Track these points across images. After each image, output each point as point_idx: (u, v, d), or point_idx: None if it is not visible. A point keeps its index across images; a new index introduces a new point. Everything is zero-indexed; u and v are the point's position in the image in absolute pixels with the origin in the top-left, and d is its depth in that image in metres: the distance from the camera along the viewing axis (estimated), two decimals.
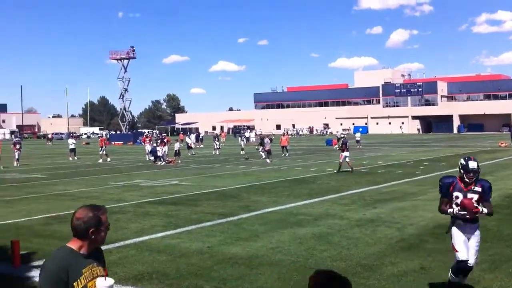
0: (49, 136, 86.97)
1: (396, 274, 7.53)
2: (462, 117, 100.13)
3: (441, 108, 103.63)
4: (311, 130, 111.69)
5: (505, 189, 16.19)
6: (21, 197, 16.82)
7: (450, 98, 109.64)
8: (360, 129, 53.39)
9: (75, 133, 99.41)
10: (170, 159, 31.39)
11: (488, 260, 8.04)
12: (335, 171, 23.11)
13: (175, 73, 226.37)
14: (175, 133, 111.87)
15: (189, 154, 39.03)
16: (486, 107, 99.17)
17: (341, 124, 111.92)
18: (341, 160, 23.45)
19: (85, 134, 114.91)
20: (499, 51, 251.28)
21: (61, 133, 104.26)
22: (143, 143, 43.58)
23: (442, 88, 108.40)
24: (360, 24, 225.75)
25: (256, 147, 34.73)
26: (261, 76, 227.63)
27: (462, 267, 6.30)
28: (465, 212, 6.20)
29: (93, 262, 3.24)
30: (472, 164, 6.21)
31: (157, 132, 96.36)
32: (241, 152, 39.33)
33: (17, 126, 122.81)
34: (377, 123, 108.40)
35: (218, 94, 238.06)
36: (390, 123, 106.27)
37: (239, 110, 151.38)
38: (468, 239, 6.31)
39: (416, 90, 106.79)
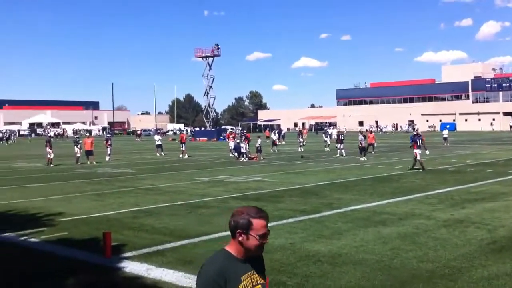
0: (138, 132, 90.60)
1: (486, 277, 7.21)
2: None
3: None
4: (395, 127, 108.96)
5: None
6: (112, 191, 17.64)
7: None
8: (448, 126, 51.51)
9: (161, 129, 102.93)
10: (252, 155, 31.74)
11: None
12: (420, 169, 22.43)
13: (257, 70, 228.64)
14: (257, 130, 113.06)
15: (271, 150, 39.31)
16: None
17: (427, 121, 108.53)
18: (418, 158, 22.76)
19: (171, 130, 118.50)
20: None
21: (149, 130, 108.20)
22: (227, 140, 44.33)
23: None
24: (448, 16, 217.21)
25: (336, 144, 34.40)
26: (343, 72, 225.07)
27: None
28: None
29: (251, 268, 2.98)
30: None
31: (240, 128, 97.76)
32: (326, 149, 39.08)
33: (108, 123, 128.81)
34: (466, 120, 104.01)
35: (300, 90, 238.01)
36: (480, 120, 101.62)
37: (321, 106, 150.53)
38: None
39: (508, 84, 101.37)
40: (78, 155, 30.64)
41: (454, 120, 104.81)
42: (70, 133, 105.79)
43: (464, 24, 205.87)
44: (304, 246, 9.15)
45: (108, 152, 32.90)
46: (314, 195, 15.59)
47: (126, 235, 10.33)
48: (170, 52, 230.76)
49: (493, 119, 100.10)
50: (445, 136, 46.93)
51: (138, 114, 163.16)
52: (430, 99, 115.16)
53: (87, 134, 34.16)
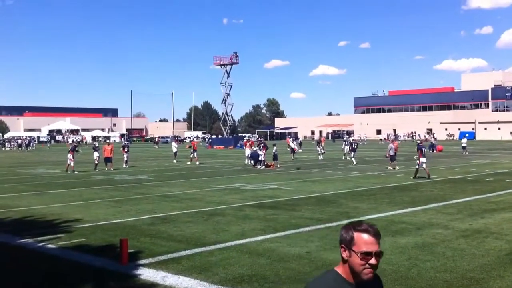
0: (156, 139, 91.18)
1: None
2: None
3: None
4: (411, 135, 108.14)
5: None
6: (129, 198, 17.74)
7: None
8: (467, 135, 50.94)
9: (179, 136, 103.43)
10: (269, 163, 31.71)
11: None
12: (412, 177, 22.91)
13: (275, 77, 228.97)
14: (274, 138, 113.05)
15: (292, 158, 39.27)
16: None
17: (446, 129, 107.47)
18: (417, 166, 23.15)
19: (189, 138, 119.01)
20: None
21: (166, 137, 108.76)
22: (244, 147, 44.40)
23: None
24: (469, 24, 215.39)
25: (349, 152, 34.34)
26: (361, 80, 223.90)
27: None
28: None
29: None
30: None
31: (257, 136, 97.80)
32: (343, 158, 38.91)
33: (127, 130, 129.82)
34: (485, 129, 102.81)
35: (317, 98, 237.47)
36: (499, 129, 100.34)
37: (338, 114, 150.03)
38: None
39: None
40: (97, 162, 30.90)
41: (473, 129, 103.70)
42: (89, 139, 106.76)
43: (485, 32, 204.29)
44: (320, 255, 9.10)
45: (125, 159, 33.14)
46: (331, 204, 15.52)
47: (142, 242, 10.37)
48: (188, 59, 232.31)
49: None
50: (464, 145, 46.48)
51: (156, 121, 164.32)
52: (449, 108, 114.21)
53: (107, 141, 34.50)
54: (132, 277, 8.03)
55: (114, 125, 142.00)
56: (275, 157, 31.99)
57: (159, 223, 12.55)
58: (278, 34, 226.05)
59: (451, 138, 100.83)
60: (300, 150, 53.80)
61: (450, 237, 10.52)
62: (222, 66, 77.24)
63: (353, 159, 33.57)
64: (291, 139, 49.97)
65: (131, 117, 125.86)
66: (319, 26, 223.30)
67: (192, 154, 36.42)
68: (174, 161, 37.58)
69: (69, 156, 29.41)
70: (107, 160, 31.04)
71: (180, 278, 7.86)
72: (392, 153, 29.41)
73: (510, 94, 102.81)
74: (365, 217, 12.99)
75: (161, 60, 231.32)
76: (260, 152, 32.09)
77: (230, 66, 76.66)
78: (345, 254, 2.59)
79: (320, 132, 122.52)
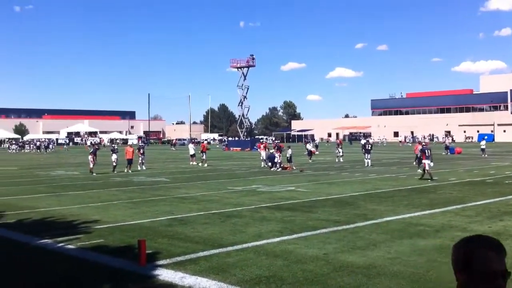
0: (173, 141, 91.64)
1: None
2: None
3: None
4: (431, 137, 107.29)
5: None
6: (147, 199, 17.85)
7: None
8: (485, 137, 50.39)
9: (195, 139, 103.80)
10: (285, 165, 31.69)
11: None
12: (429, 179, 22.93)
13: (292, 80, 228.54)
14: (290, 140, 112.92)
15: (310, 160, 39.14)
16: None
17: (464, 132, 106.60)
18: (427, 168, 23.31)
19: (205, 140, 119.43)
20: None
21: (183, 139, 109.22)
22: (258, 150, 44.42)
23: None
24: (487, 25, 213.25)
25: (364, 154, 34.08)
26: (379, 82, 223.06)
27: None
28: None
29: None
30: None
31: (273, 138, 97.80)
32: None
33: (144, 132, 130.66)
34: (504, 131, 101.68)
35: (334, 100, 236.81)
36: None
37: (355, 117, 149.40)
38: None
39: None
40: (115, 164, 31.14)
41: (492, 131, 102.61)
42: (107, 142, 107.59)
43: (504, 34, 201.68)
44: (338, 257, 9.07)
45: (140, 161, 33.35)
46: (348, 206, 15.46)
47: (160, 243, 10.43)
48: (205, 62, 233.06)
49: None
50: (483, 147, 45.95)
51: (173, 123, 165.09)
52: (467, 110, 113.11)
53: (130, 143, 34.87)
54: (151, 277, 8.07)
55: (132, 127, 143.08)
56: (290, 159, 31.93)
57: (176, 224, 12.61)
58: (295, 36, 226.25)
59: (470, 140, 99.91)
60: (317, 152, 53.66)
61: None
62: (239, 69, 77.40)
63: (367, 160, 33.47)
64: (309, 142, 49.68)
65: (149, 120, 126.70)
66: (336, 29, 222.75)
67: (202, 156, 36.73)
68: (194, 162, 37.85)
69: (90, 158, 29.74)
70: (129, 161, 31.35)
71: (198, 278, 7.88)
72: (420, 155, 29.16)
73: None
74: (383, 219, 12.93)
75: (178, 63, 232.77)
76: (276, 154, 32.10)
77: (247, 68, 76.79)
78: (462, 278, 2.06)
79: (337, 134, 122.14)
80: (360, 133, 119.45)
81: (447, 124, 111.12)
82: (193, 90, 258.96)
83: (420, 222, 12.54)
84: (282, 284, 7.55)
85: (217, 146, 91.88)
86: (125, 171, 30.56)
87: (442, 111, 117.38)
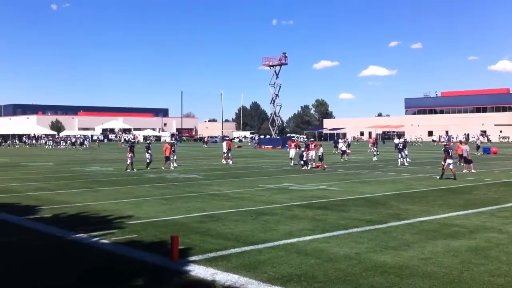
0: (205, 139, 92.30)
1: None
2: None
3: None
4: (467, 137, 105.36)
5: None
6: (180, 196, 18.03)
7: None
8: None
9: (227, 136, 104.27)
10: (317, 164, 31.56)
11: None
12: (438, 177, 23.46)
13: (324, 78, 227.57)
14: (322, 138, 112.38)
15: (341, 160, 38.96)
16: None
17: (501, 132, 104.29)
18: (451, 167, 23.53)
19: (237, 137, 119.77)
20: None
21: (215, 137, 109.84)
22: (288, 148, 44.33)
23: None
24: None
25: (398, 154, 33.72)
26: (413, 81, 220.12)
27: None
28: None
29: None
30: None
31: (304, 137, 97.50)
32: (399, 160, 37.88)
33: (177, 129, 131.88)
34: None
35: (367, 99, 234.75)
36: None
37: (388, 115, 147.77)
38: None
39: None
40: (148, 160, 31.51)
41: None
42: (140, 139, 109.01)
43: None
44: (370, 257, 9.01)
45: (172, 158, 33.64)
46: (380, 205, 15.32)
47: (192, 239, 10.52)
48: (238, 60, 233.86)
49: None
50: None
51: (205, 121, 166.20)
52: (504, 109, 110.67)
53: (171, 140, 35.44)
54: (183, 273, 8.16)
55: (165, 124, 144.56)
56: (321, 158, 31.74)
57: (208, 221, 12.71)
58: (328, 34, 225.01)
59: (507, 140, 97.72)
60: (349, 151, 53.27)
61: (505, 241, 10.21)
62: (271, 67, 77.45)
63: (400, 159, 33.18)
64: (343, 141, 49.16)
65: (181, 117, 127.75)
66: (370, 27, 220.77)
67: (226, 154, 36.95)
68: (225, 161, 38.08)
69: (129, 155, 30.14)
70: (167, 158, 31.75)
71: (229, 275, 7.93)
72: (465, 154, 28.69)
73: None
74: (416, 219, 12.77)
75: (211, 61, 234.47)
76: (304, 153, 32.03)
77: (279, 66, 76.77)
78: None
79: (370, 133, 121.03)
80: (393, 132, 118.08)
81: (482, 124, 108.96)
82: (226, 88, 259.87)
83: (454, 223, 12.34)
84: (314, 282, 7.54)
85: (249, 144, 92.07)
86: (163, 167, 30.98)
87: (477, 110, 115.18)
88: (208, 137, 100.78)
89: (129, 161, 29.90)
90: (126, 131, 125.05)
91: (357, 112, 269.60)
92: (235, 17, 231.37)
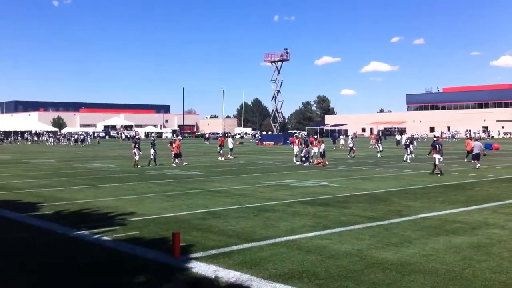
0: (207, 135, 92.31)
1: None
2: None
3: None
4: (468, 133, 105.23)
5: None
6: (182, 192, 18.03)
7: None
8: None
9: (229, 133, 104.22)
10: (318, 160, 31.52)
11: None
12: (439, 173, 23.45)
13: (326, 74, 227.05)
14: (323, 135, 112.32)
15: (348, 156, 38.69)
16: None
17: (503, 127, 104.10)
18: (436, 162, 23.85)
19: (239, 134, 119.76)
20: None
21: (217, 133, 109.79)
22: (292, 144, 44.26)
23: None
24: None
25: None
26: (415, 77, 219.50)
27: None
28: None
29: None
30: None
31: (305, 133, 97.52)
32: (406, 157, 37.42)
33: (178, 126, 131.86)
34: None
35: (368, 95, 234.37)
36: None
37: (390, 111, 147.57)
38: None
39: None
40: (152, 157, 31.50)
41: None
42: (142, 135, 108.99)
43: None
44: (371, 253, 9.00)
45: (173, 155, 33.63)
46: (382, 202, 15.31)
47: (194, 236, 10.53)
48: (239, 56, 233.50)
49: None
50: None
51: (207, 117, 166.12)
52: (506, 105, 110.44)
53: (178, 137, 35.55)
54: (184, 270, 8.17)
55: (167, 121, 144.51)
56: (323, 154, 31.67)
57: (210, 218, 12.71)
58: (330, 30, 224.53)
59: (509, 136, 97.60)
60: (355, 149, 53.16)
61: (507, 238, 10.21)
62: (273, 63, 77.32)
63: (408, 156, 33.14)
64: (345, 137, 48.91)
65: (183, 114, 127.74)
66: (372, 22, 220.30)
67: (220, 150, 37.20)
68: (230, 156, 38.36)
69: (135, 151, 30.14)
70: (177, 155, 31.78)
71: (231, 272, 7.94)
72: (477, 151, 28.42)
73: None
74: (418, 216, 12.77)
75: (212, 58, 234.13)
76: (304, 150, 32.01)
77: (281, 63, 76.64)
78: None
79: (371, 129, 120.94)
80: (395, 128, 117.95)
81: (484, 120, 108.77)
82: (227, 84, 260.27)
83: (456, 219, 12.33)
84: (315, 279, 7.54)
85: (251, 140, 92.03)
86: (172, 164, 31.02)
87: (480, 106, 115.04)
88: (209, 133, 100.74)
89: (137, 157, 29.91)
90: (128, 127, 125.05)
91: (358, 108, 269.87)
92: (237, 13, 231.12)
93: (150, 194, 17.63)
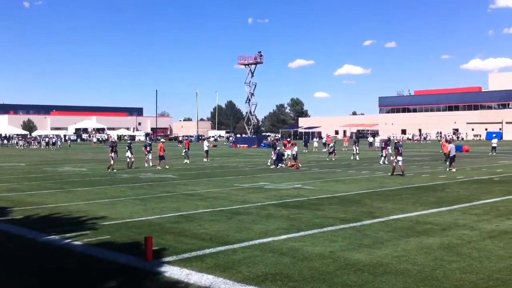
0: (180, 138, 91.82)
1: None
2: None
3: None
4: (439, 135, 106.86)
5: None
6: (154, 196, 17.89)
7: None
8: (494, 135, 49.90)
9: (203, 135, 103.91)
10: (292, 163, 31.65)
11: None
12: (389, 174, 24.85)
13: (300, 77, 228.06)
14: (297, 137, 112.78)
15: (327, 158, 38.49)
16: None
17: (472, 130, 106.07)
18: (394, 164, 25.20)
19: (212, 137, 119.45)
20: None
21: (190, 136, 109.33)
22: (284, 148, 44.01)
23: None
24: (497, 23, 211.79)
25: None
26: (387, 80, 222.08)
27: None
28: None
29: None
30: None
31: (275, 135, 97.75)
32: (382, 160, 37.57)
33: (152, 129, 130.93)
34: None
35: (342, 98, 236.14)
36: None
37: (363, 114, 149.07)
38: None
39: None
40: (128, 160, 31.24)
41: (500, 129, 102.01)
42: (115, 138, 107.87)
43: None
44: (344, 255, 9.06)
45: (146, 158, 33.42)
46: (354, 204, 15.43)
47: (167, 240, 10.45)
48: (213, 59, 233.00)
49: None
50: (494, 145, 45.58)
51: (180, 120, 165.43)
52: (476, 108, 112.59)
53: (162, 140, 35.43)
54: (157, 274, 8.09)
55: (139, 124, 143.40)
56: (295, 157, 31.78)
57: (183, 221, 12.63)
58: (303, 33, 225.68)
59: (478, 138, 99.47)
60: (324, 150, 53.53)
61: (476, 238, 10.38)
62: (247, 66, 77.44)
63: (383, 158, 33.47)
64: (319, 139, 49.02)
65: (156, 116, 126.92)
66: (344, 26, 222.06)
67: (184, 153, 37.25)
68: (205, 159, 38.32)
69: (111, 155, 29.70)
70: (161, 158, 31.54)
71: (204, 276, 7.90)
72: (453, 153, 28.47)
73: None
74: (390, 217, 12.90)
75: (186, 60, 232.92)
76: (272, 152, 32.34)
77: (255, 65, 76.81)
78: None
79: (344, 132, 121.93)
80: (367, 130, 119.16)
81: (455, 122, 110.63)
82: (201, 86, 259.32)
83: (427, 220, 12.50)
84: (289, 281, 7.55)
85: (225, 143, 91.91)
86: (158, 167, 30.75)
87: (450, 108, 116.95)
88: (183, 136, 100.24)
89: (112, 161, 29.51)
90: (100, 130, 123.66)
91: (332, 111, 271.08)
92: (211, 15, 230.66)
93: (122, 197, 17.44)
